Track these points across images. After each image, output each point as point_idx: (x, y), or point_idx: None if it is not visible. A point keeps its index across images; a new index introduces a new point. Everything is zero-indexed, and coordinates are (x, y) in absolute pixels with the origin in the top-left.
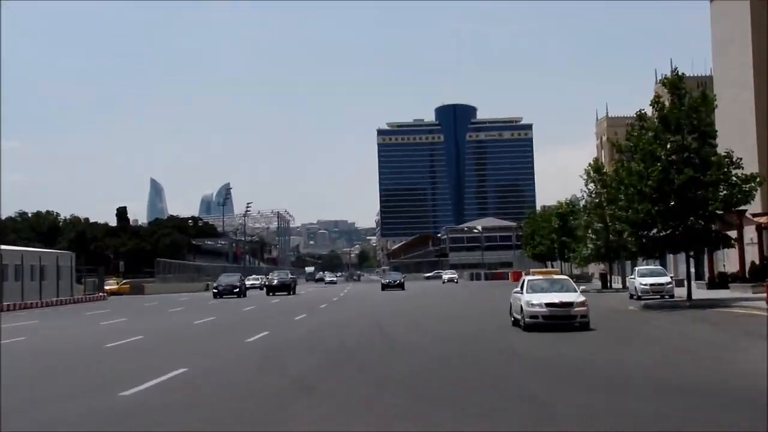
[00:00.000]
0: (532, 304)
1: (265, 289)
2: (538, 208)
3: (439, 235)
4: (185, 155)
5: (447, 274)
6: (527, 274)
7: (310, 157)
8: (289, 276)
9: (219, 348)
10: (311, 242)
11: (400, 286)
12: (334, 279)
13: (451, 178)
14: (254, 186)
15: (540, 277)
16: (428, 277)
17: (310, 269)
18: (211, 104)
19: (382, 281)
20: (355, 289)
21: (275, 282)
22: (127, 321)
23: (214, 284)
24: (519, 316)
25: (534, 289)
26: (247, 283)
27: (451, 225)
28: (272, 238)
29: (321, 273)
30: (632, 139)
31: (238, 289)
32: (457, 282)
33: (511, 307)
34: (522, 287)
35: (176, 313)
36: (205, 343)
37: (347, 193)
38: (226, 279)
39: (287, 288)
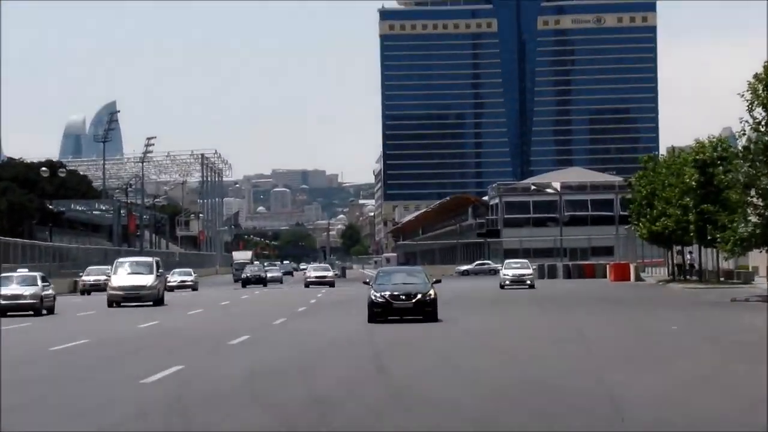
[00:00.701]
0: None
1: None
2: (661, 151)
3: (485, 198)
4: (33, 58)
5: (512, 268)
6: None
7: (262, 64)
8: (154, 276)
9: (95, 393)
10: (261, 208)
11: (423, 307)
12: (328, 273)
13: (509, 97)
14: (159, 112)
15: None
16: (465, 272)
17: (241, 257)
18: None
19: (373, 293)
20: (328, 300)
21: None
22: None
23: None
24: None
25: None
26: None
27: (506, 181)
28: (192, 202)
29: (271, 265)
30: None
31: None
32: (532, 285)
33: None
34: None
35: (20, 331)
36: (70, 384)
37: (326, 129)
38: None
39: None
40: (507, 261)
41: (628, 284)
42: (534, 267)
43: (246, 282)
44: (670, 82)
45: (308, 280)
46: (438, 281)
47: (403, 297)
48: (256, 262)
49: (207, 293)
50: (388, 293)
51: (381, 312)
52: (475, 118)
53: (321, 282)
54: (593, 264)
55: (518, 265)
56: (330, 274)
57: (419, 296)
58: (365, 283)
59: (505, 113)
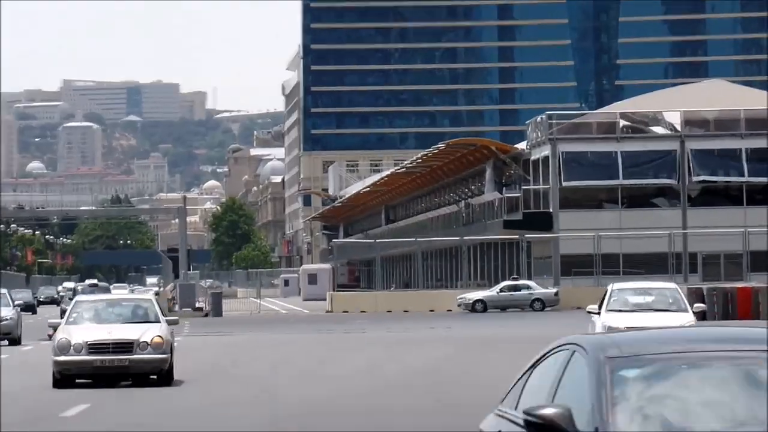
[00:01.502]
0: None
1: None
2: None
3: (520, 146)
4: None
5: (630, 310)
6: None
7: None
8: None
9: None
10: (36, 164)
11: None
12: (143, 334)
13: None
14: None
15: None
16: (480, 304)
17: None
18: None
19: None
20: None
21: None
22: None
23: None
24: None
25: None
26: None
27: (567, 108)
28: None
29: None
30: None
31: None
32: None
33: None
34: None
35: None
36: None
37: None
38: None
39: None
40: (616, 287)
41: None
42: (702, 307)
43: None
44: None
45: (61, 359)
46: None
47: None
48: None
49: None
50: None
51: None
52: None
53: (116, 365)
54: (752, 288)
55: (649, 299)
56: (151, 334)
57: None
58: None
59: None
